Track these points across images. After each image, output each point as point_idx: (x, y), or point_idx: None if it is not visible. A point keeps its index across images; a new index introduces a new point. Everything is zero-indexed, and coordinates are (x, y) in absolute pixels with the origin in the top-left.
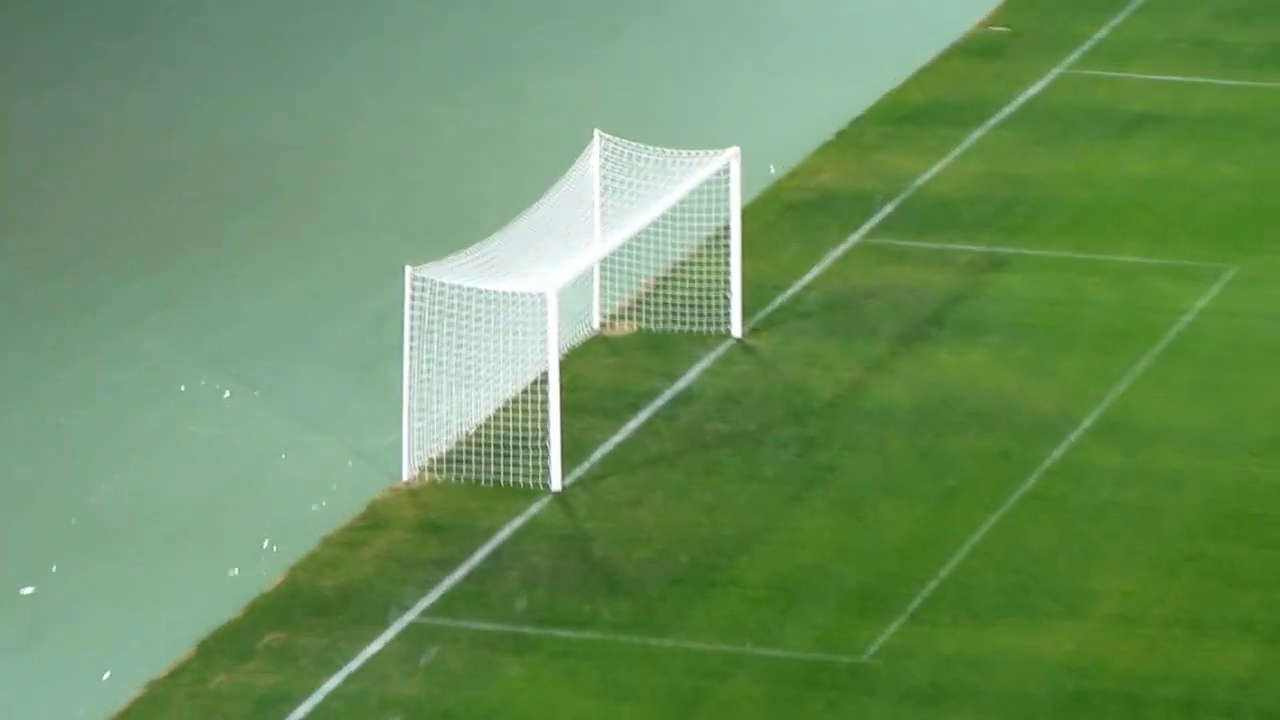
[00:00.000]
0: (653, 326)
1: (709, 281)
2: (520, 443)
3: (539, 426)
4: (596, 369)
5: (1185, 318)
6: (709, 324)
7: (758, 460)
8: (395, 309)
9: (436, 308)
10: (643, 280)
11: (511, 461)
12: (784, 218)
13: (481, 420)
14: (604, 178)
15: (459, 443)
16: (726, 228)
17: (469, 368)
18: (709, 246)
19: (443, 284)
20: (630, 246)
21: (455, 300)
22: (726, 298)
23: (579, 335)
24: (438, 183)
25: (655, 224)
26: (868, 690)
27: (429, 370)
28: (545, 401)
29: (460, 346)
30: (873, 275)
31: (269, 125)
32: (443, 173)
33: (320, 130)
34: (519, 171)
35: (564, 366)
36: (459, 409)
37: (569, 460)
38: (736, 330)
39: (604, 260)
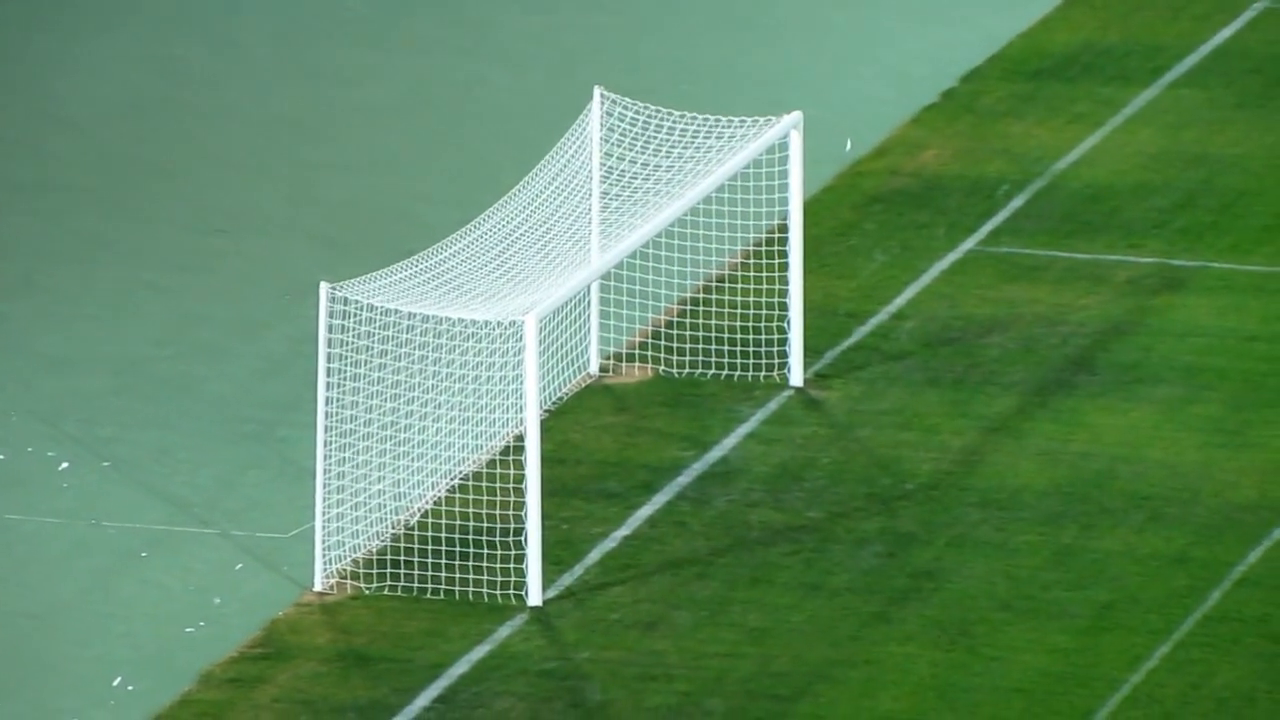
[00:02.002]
0: (676, 371)
1: (757, 307)
2: (484, 538)
3: (510, 514)
4: (595, 433)
5: None
6: (757, 368)
7: (826, 564)
8: (306, 344)
9: (365, 342)
10: (663, 306)
11: (472, 565)
12: (866, 215)
13: (429, 505)
14: (607, 155)
15: (396, 537)
16: (783, 229)
17: (411, 429)
18: (757, 256)
19: (373, 308)
20: (645, 256)
21: (391, 332)
22: (783, 330)
23: (571, 383)
24: (364, 164)
25: (681, 223)
26: None
27: (354, 433)
28: (521, 479)
29: (398, 399)
30: (994, 299)
31: (129, 82)
32: (370, 150)
33: (199, 88)
34: (482, 148)
35: (548, 429)
36: (396, 489)
37: (554, 564)
38: (797, 377)
39: (607, 276)
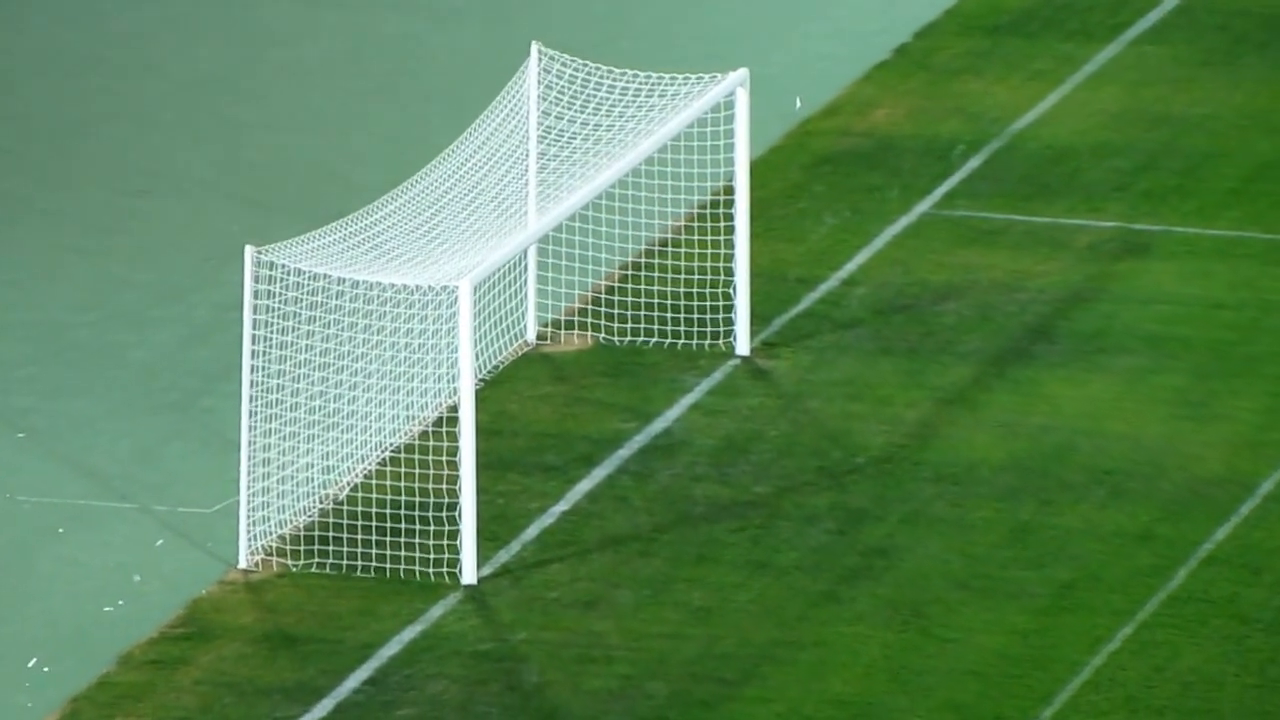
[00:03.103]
0: (617, 339)
1: (702, 273)
2: (417, 513)
3: (444, 488)
4: (532, 403)
5: None
6: (702, 337)
7: (774, 541)
8: (231, 310)
9: (292, 309)
10: (603, 271)
11: (404, 541)
12: (816, 177)
13: (358, 479)
14: (545, 114)
15: (324, 513)
16: (729, 192)
17: (340, 399)
18: (702, 220)
19: (301, 273)
20: (585, 219)
21: (319, 298)
22: (728, 297)
23: (507, 352)
24: (292, 123)
25: (621, 184)
26: None
27: (280, 403)
28: (455, 451)
29: (327, 368)
30: (949, 264)
31: (47, 37)
32: (297, 105)
33: (120, 43)
34: (414, 107)
35: (483, 399)
36: (324, 462)
37: (489, 540)
38: (743, 346)
39: (545, 240)
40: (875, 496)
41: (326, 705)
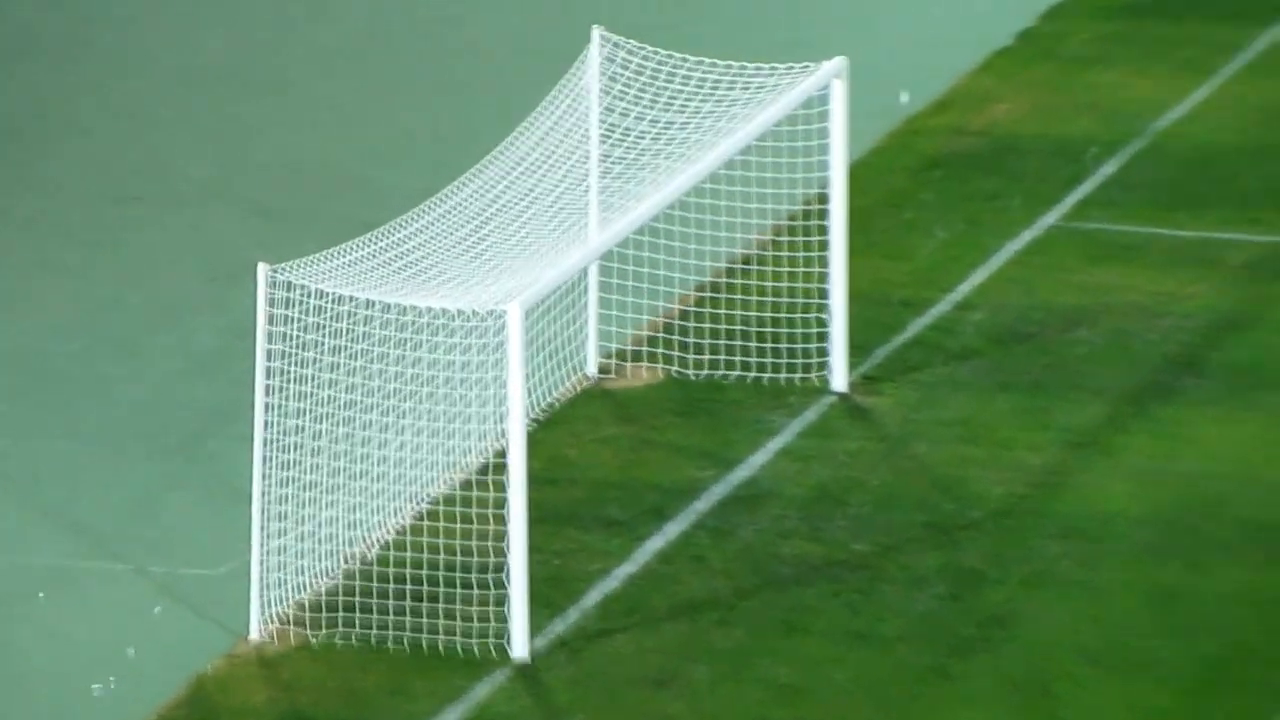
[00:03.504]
0: (691, 372)
1: (791, 295)
2: (459, 575)
3: (490, 546)
4: (593, 447)
5: None
6: (791, 369)
7: (875, 608)
8: (238, 338)
9: (312, 336)
10: (675, 293)
11: (443, 608)
12: (924, 183)
13: (390, 536)
14: (608, 110)
15: (351, 574)
16: (823, 200)
17: (369, 443)
18: (792, 234)
19: (322, 295)
20: (654, 232)
21: (344, 324)
22: (822, 323)
23: (563, 387)
24: (310, 119)
25: (697, 192)
26: None
27: (299, 446)
28: (503, 504)
29: (354, 406)
30: (1080, 285)
31: (23, 22)
32: (316, 99)
33: (109, 29)
34: (456, 102)
35: (537, 442)
36: (350, 515)
37: (543, 607)
38: (839, 380)
39: (608, 257)
40: (993, 556)
41: None
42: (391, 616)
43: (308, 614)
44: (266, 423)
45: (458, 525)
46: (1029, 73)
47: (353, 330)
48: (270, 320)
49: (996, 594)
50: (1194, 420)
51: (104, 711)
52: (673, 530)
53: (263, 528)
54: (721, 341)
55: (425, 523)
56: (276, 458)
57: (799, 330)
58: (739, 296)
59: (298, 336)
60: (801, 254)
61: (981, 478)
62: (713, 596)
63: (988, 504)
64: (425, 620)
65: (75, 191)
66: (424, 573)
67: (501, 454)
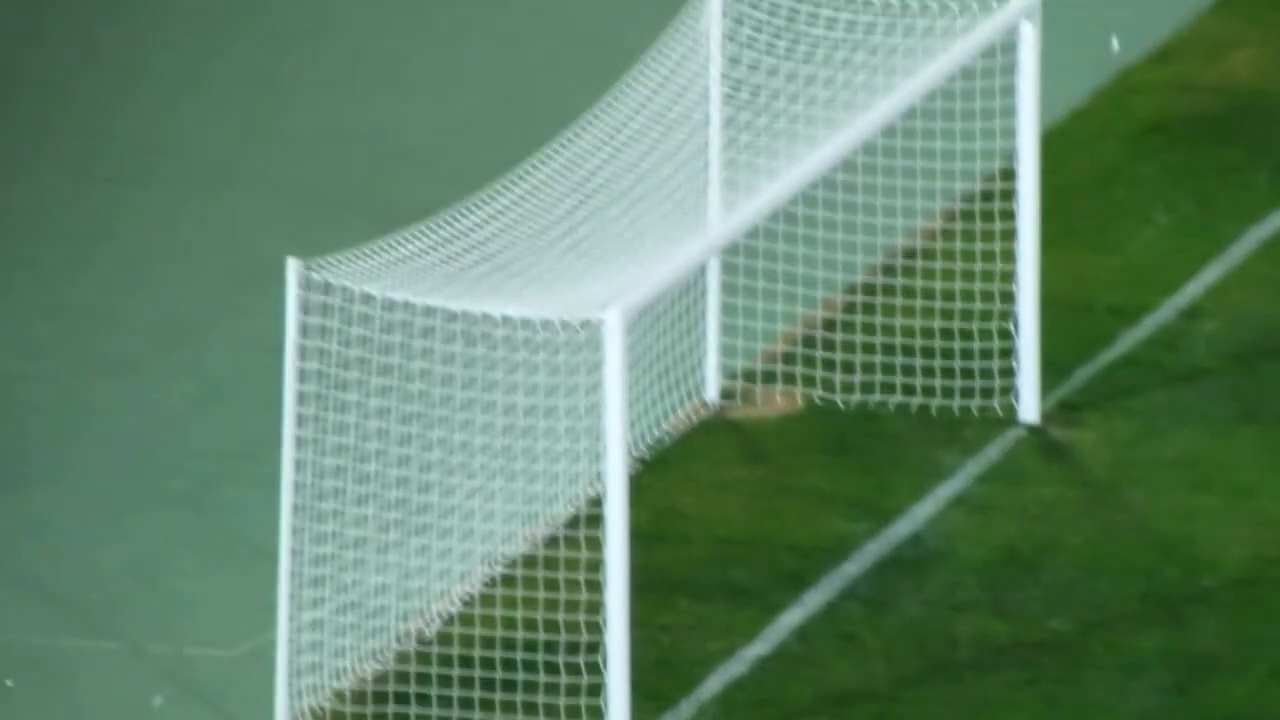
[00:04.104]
0: (839, 398)
1: (966, 300)
2: (540, 657)
3: (583, 622)
4: (713, 495)
5: None
6: (967, 394)
7: (1078, 701)
8: (262, 355)
9: (355, 353)
10: (818, 298)
11: (521, 699)
12: (1141, 154)
13: (454, 607)
14: (734, 62)
15: (405, 657)
16: (1008, 176)
17: (429, 489)
18: (967, 220)
19: (368, 300)
20: (792, 218)
21: (395, 337)
22: (1008, 336)
23: (676, 417)
24: (346, 75)
25: (847, 167)
26: None
27: (339, 493)
28: (598, 566)
29: (409, 442)
30: None
31: None
32: (355, 53)
33: None
34: (536, 56)
35: (642, 487)
36: (404, 582)
37: (649, 698)
38: (1029, 409)
39: (733, 251)
40: (1231, 636)
41: None
42: (457, 711)
43: (349, 707)
44: (299, 463)
45: (540, 594)
46: (1278, 11)
47: (407, 345)
48: (304, 332)
49: (1236, 687)
50: None
51: None
52: (815, 601)
53: (293, 596)
54: (877, 359)
55: (499, 591)
56: (311, 507)
57: (976, 345)
58: (899, 302)
59: (338, 353)
60: (980, 246)
61: (1216, 536)
62: (867, 686)
63: (1225, 570)
64: (499, 716)
65: (54, 171)
66: (496, 654)
67: (597, 503)
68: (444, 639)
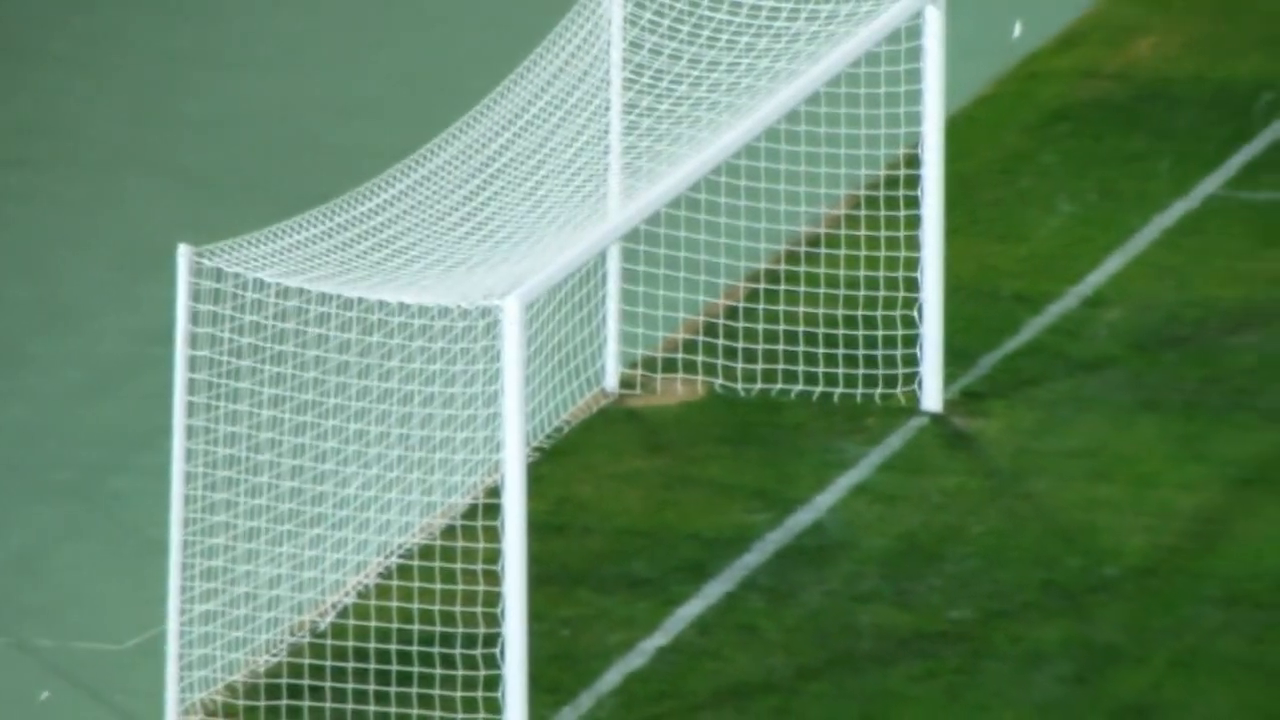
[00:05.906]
0: (740, 387)
1: (870, 288)
2: (436, 650)
3: (481, 614)
4: (613, 485)
5: None
6: (870, 383)
7: (980, 693)
8: (151, 344)
9: (248, 341)
10: (720, 285)
11: (417, 692)
12: (1045, 141)
13: (348, 599)
14: (634, 47)
15: (298, 649)
16: (912, 163)
17: (323, 479)
18: (871, 206)
19: (262, 287)
20: (694, 205)
21: (292, 324)
22: (911, 323)
23: (575, 406)
24: (245, 55)
25: (749, 153)
26: None
27: (232, 484)
28: (496, 557)
29: (303, 431)
30: (1248, 275)
31: None
32: (259, 31)
33: None
34: (438, 36)
35: (540, 478)
36: (297, 573)
37: (548, 691)
38: (932, 398)
39: (633, 238)
40: (1133, 627)
41: None
42: (351, 704)
43: (241, 700)
44: (190, 453)
45: (437, 586)
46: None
47: (302, 333)
48: (195, 319)
49: (1137, 677)
50: None
51: None
52: (716, 592)
53: (184, 589)
54: (780, 347)
55: (395, 582)
56: (203, 498)
57: (880, 333)
58: (802, 289)
59: (231, 340)
60: (884, 234)
61: (1118, 525)
62: (768, 678)
63: (1126, 559)
64: (394, 710)
65: None
66: (392, 646)
67: (495, 493)
68: (339, 631)
